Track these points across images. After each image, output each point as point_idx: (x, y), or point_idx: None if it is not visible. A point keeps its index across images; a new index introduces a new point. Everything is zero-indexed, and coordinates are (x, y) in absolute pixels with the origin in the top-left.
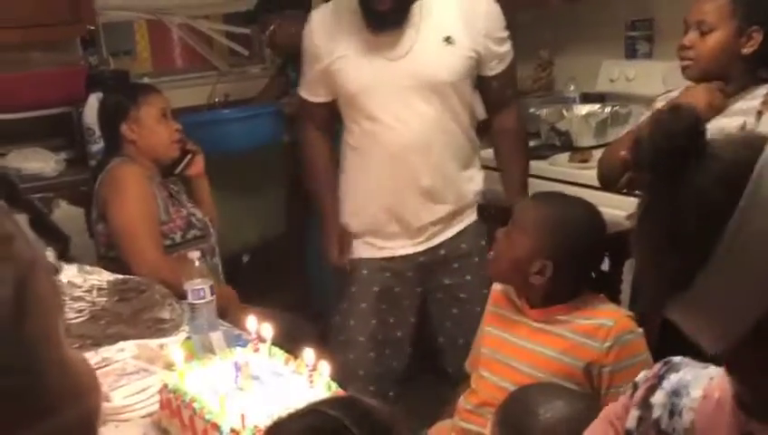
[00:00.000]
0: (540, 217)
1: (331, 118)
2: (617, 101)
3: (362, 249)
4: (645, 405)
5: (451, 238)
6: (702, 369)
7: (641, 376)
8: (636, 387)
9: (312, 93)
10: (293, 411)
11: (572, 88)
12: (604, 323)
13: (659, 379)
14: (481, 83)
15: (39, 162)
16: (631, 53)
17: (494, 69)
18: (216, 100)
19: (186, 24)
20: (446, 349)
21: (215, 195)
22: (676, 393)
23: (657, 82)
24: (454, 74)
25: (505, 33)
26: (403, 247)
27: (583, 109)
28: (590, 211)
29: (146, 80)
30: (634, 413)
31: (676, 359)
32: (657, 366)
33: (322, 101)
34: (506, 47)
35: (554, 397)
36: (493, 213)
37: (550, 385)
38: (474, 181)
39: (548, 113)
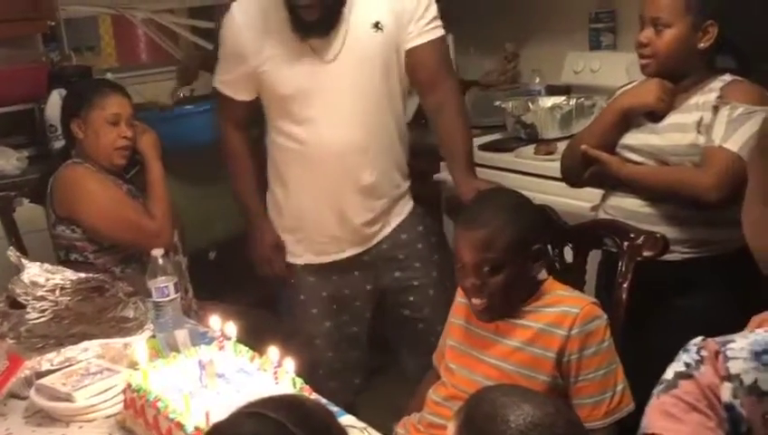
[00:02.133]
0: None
1: (250, 116)
2: (582, 92)
3: (304, 256)
4: (729, 377)
5: (390, 233)
6: (749, 333)
7: (689, 359)
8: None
9: (233, 91)
10: (233, 413)
11: (537, 80)
12: (569, 311)
13: (718, 354)
14: (407, 60)
15: (0, 160)
16: (595, 45)
17: (413, 41)
18: (181, 94)
19: (150, 19)
20: (406, 338)
21: (181, 191)
22: (757, 354)
23: (621, 73)
24: (386, 67)
25: (430, 8)
26: (345, 251)
27: (548, 101)
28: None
29: (109, 75)
30: (727, 386)
31: (699, 339)
32: (699, 346)
33: (244, 100)
34: (428, 20)
35: (522, 400)
36: (454, 205)
37: (515, 387)
38: (405, 174)
39: (513, 106)
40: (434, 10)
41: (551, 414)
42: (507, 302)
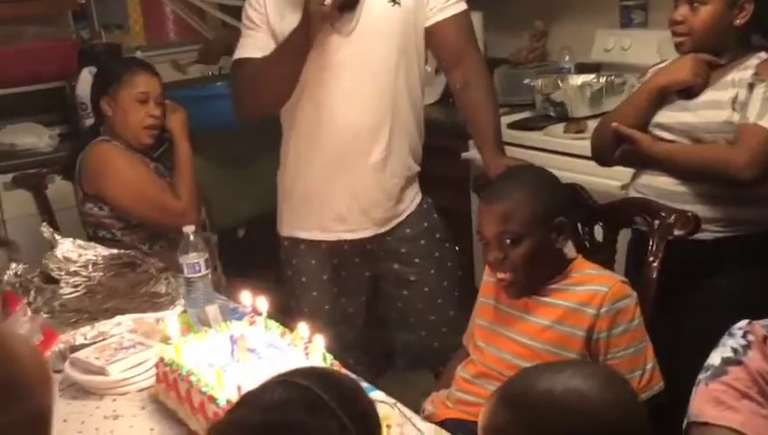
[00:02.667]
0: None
1: None
2: (612, 70)
3: (312, 231)
4: None
5: (396, 226)
6: None
7: (735, 344)
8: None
9: (254, 49)
10: (262, 384)
11: (567, 58)
12: (599, 290)
13: (766, 338)
14: (430, 38)
15: (33, 137)
16: (626, 23)
17: (436, 16)
18: (210, 73)
19: None
20: (397, 327)
21: (210, 169)
22: None
23: (652, 51)
24: (403, 44)
25: None
26: (351, 232)
27: (578, 79)
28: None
29: (138, 53)
30: None
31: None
32: (745, 330)
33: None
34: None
35: (558, 370)
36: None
37: (553, 362)
38: (417, 158)
39: (543, 84)
40: None
41: (596, 385)
42: (532, 276)
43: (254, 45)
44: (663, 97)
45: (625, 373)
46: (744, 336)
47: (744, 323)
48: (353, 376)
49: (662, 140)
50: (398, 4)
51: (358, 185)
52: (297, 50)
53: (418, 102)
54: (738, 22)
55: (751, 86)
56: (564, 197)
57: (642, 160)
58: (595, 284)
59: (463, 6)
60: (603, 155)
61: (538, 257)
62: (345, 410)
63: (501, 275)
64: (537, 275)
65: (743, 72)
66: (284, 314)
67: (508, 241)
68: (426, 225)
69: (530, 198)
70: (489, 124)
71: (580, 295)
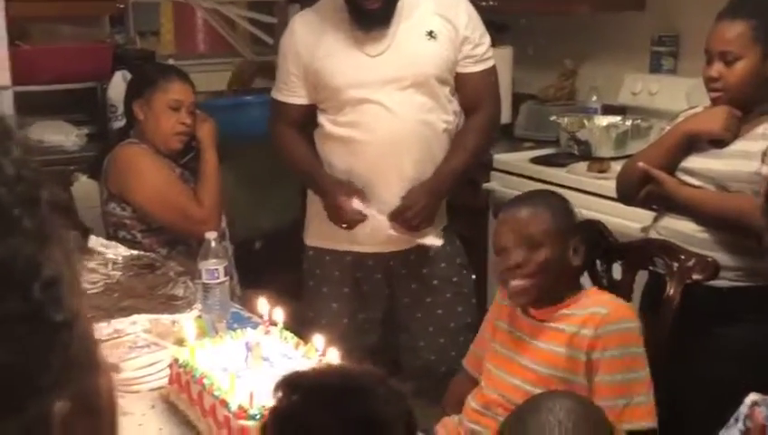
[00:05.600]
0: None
1: (306, 121)
2: (638, 114)
3: (339, 242)
4: None
5: (420, 244)
6: None
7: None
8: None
9: (290, 94)
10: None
11: (594, 98)
12: (597, 311)
13: (764, 429)
14: (458, 82)
15: (60, 135)
16: (656, 68)
17: (467, 68)
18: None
19: (212, 9)
20: (408, 349)
21: (232, 179)
22: None
23: (680, 97)
24: (437, 67)
25: (484, 39)
26: (378, 245)
27: (604, 120)
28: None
29: (171, 61)
30: None
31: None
32: (746, 414)
33: (301, 103)
34: (483, 50)
35: (564, 397)
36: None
37: (557, 390)
38: None
39: (569, 122)
40: (488, 39)
41: (585, 405)
42: (545, 286)
43: (289, 91)
44: (691, 143)
45: (605, 399)
46: (744, 421)
47: (750, 400)
48: None
49: (688, 185)
50: (435, 38)
51: (389, 199)
52: (305, 182)
53: (448, 129)
54: None
55: None
56: (578, 223)
57: (666, 203)
58: (595, 306)
59: (491, 63)
60: (628, 194)
61: (553, 268)
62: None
63: (516, 283)
64: (550, 287)
65: None
66: (299, 326)
67: (527, 245)
68: (448, 249)
69: (548, 211)
70: (447, 165)
71: (581, 318)
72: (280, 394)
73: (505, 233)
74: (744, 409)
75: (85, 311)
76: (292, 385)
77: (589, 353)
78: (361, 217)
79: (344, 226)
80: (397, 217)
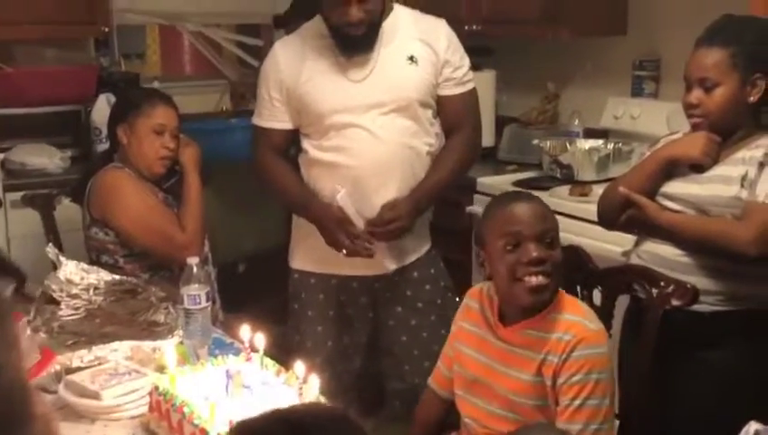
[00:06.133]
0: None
1: (288, 147)
2: (620, 137)
3: (322, 264)
4: None
5: (405, 267)
6: None
7: None
8: None
9: (273, 119)
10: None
11: (576, 122)
12: (562, 338)
13: None
14: (439, 104)
15: (43, 158)
16: (637, 92)
17: (448, 90)
18: (224, 108)
19: (198, 32)
20: (392, 372)
21: (215, 202)
22: None
23: (661, 121)
24: (419, 91)
25: (464, 61)
26: (363, 268)
27: (586, 143)
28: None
29: (156, 84)
30: None
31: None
32: None
33: (284, 128)
34: (463, 73)
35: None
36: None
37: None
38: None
39: (551, 145)
40: (467, 61)
41: None
42: (557, 284)
43: (272, 116)
44: (671, 168)
45: (566, 424)
46: None
47: (752, 430)
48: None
49: (669, 209)
50: (416, 63)
51: (370, 214)
52: (295, 210)
53: (431, 151)
54: (752, 99)
55: (761, 165)
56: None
57: (647, 227)
58: (561, 331)
59: (471, 86)
60: (609, 219)
61: (560, 270)
62: None
63: (537, 279)
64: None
65: (753, 151)
66: (282, 350)
67: (547, 240)
68: (432, 271)
69: (550, 210)
70: (426, 182)
71: (548, 344)
72: None
73: (523, 223)
74: None
75: (14, 362)
76: None
77: (554, 379)
78: (361, 245)
79: (344, 253)
80: (376, 226)
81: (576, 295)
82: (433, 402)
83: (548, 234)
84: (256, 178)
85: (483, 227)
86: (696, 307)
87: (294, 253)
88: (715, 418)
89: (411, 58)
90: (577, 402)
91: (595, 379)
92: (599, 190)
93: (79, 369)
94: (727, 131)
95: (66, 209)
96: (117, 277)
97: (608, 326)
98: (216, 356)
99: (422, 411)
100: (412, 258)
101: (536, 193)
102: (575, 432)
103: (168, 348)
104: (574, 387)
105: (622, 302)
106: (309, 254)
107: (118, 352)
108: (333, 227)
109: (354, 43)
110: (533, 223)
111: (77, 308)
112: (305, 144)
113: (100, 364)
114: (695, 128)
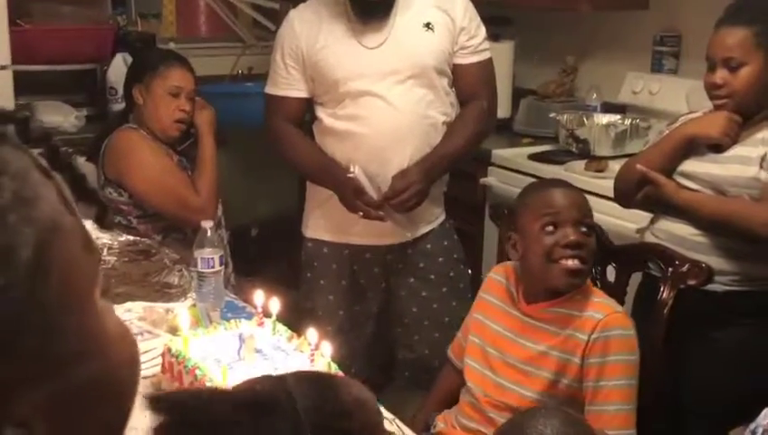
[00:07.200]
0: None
1: (303, 116)
2: (638, 113)
3: (336, 232)
4: None
5: (418, 238)
6: None
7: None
8: None
9: (288, 87)
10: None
11: (594, 96)
12: (593, 316)
13: None
14: (455, 72)
15: (59, 116)
16: (657, 68)
17: (463, 59)
18: (239, 72)
19: None
20: (402, 342)
21: (230, 166)
22: None
23: (680, 98)
24: (435, 58)
25: (480, 30)
26: (376, 237)
27: (604, 118)
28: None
29: (171, 45)
30: None
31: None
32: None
33: (299, 96)
34: (479, 41)
35: (554, 417)
36: (505, 213)
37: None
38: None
39: (568, 119)
40: (483, 31)
41: (575, 425)
42: (589, 271)
43: (288, 84)
44: (690, 147)
45: (614, 404)
46: None
47: (765, 421)
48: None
49: (686, 188)
50: (432, 30)
51: (384, 186)
52: (316, 180)
53: (447, 121)
54: None
55: None
56: None
57: (664, 206)
58: (590, 310)
59: (487, 55)
60: (626, 196)
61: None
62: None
63: (574, 263)
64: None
65: None
66: (293, 316)
67: (584, 229)
68: (446, 243)
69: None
70: (440, 149)
71: (574, 321)
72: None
73: (565, 207)
74: (762, 421)
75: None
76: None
77: (584, 358)
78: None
79: (361, 215)
80: (389, 198)
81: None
82: (449, 373)
83: (585, 221)
84: (271, 148)
85: (519, 209)
86: (709, 287)
87: (308, 221)
88: (726, 397)
89: (427, 25)
90: (623, 381)
91: (631, 359)
92: (615, 166)
93: None
94: (750, 112)
95: (81, 168)
96: (131, 238)
97: (620, 303)
98: (228, 320)
99: (439, 381)
100: (426, 229)
101: (551, 167)
102: (612, 411)
103: (181, 310)
104: (615, 366)
105: (635, 279)
106: (322, 222)
107: (131, 312)
108: (350, 195)
109: (371, 7)
110: (573, 208)
111: None
112: (320, 113)
113: None
114: (719, 109)
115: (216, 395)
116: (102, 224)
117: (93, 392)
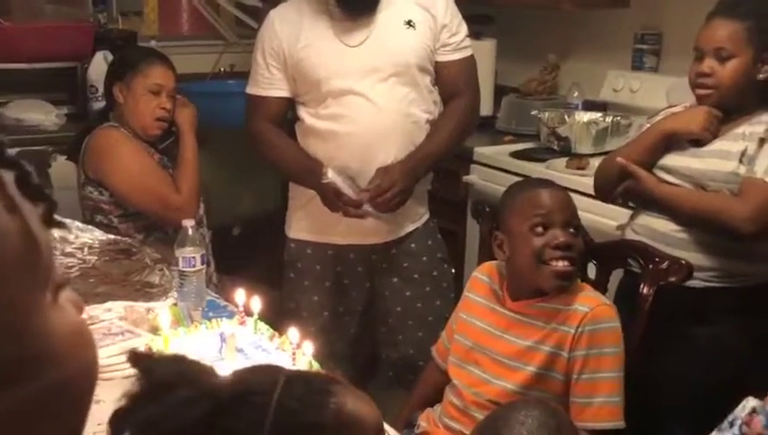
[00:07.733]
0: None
1: (284, 116)
2: (619, 111)
3: (319, 233)
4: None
5: (402, 238)
6: None
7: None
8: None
9: (270, 87)
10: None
11: (576, 94)
12: (578, 309)
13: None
14: (437, 70)
15: (39, 114)
16: (638, 66)
17: (445, 56)
18: (221, 69)
19: None
20: (386, 342)
21: (212, 164)
22: None
23: (660, 96)
24: (417, 56)
25: (462, 28)
26: (360, 237)
27: (585, 116)
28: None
29: (153, 43)
30: None
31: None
32: (745, 420)
33: (281, 96)
34: (460, 38)
35: (536, 409)
36: (487, 211)
37: (529, 399)
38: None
39: (549, 117)
40: (465, 28)
41: (556, 416)
42: (577, 272)
43: (269, 84)
44: (670, 142)
45: (602, 396)
46: (740, 427)
47: (749, 406)
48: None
49: (666, 183)
50: (414, 28)
51: (364, 184)
52: (297, 181)
53: (430, 120)
54: (761, 76)
55: (762, 141)
56: None
57: (644, 199)
58: (576, 303)
59: (469, 52)
60: (605, 190)
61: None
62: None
63: (564, 264)
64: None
65: (755, 127)
66: (275, 315)
67: (572, 230)
68: (429, 243)
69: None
70: (423, 148)
71: (560, 314)
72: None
73: (554, 211)
74: (740, 413)
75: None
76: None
77: (571, 351)
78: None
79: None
80: (373, 198)
81: None
82: (432, 372)
83: (573, 222)
84: (252, 149)
85: (505, 209)
86: (689, 283)
87: (291, 222)
88: (703, 393)
89: (409, 23)
90: (599, 375)
91: (614, 352)
92: (596, 163)
93: None
94: (731, 107)
95: (61, 167)
96: (112, 237)
97: None
98: (209, 319)
99: (423, 379)
100: (410, 228)
101: (533, 165)
102: (598, 403)
103: (162, 309)
104: (600, 359)
105: (615, 276)
106: (305, 223)
107: (111, 311)
108: (331, 196)
109: (357, 3)
110: (561, 209)
111: (71, 267)
112: (302, 112)
113: (93, 324)
114: (701, 100)
115: (203, 377)
116: (49, 224)
117: (46, 403)
